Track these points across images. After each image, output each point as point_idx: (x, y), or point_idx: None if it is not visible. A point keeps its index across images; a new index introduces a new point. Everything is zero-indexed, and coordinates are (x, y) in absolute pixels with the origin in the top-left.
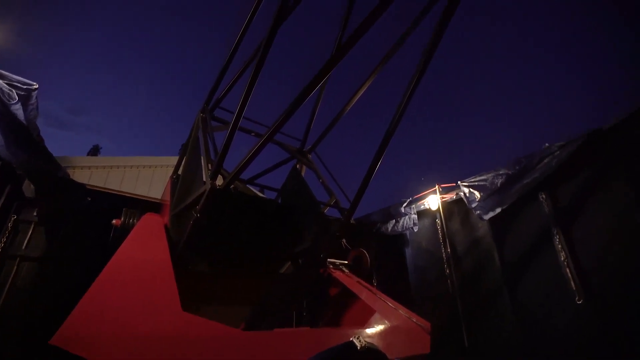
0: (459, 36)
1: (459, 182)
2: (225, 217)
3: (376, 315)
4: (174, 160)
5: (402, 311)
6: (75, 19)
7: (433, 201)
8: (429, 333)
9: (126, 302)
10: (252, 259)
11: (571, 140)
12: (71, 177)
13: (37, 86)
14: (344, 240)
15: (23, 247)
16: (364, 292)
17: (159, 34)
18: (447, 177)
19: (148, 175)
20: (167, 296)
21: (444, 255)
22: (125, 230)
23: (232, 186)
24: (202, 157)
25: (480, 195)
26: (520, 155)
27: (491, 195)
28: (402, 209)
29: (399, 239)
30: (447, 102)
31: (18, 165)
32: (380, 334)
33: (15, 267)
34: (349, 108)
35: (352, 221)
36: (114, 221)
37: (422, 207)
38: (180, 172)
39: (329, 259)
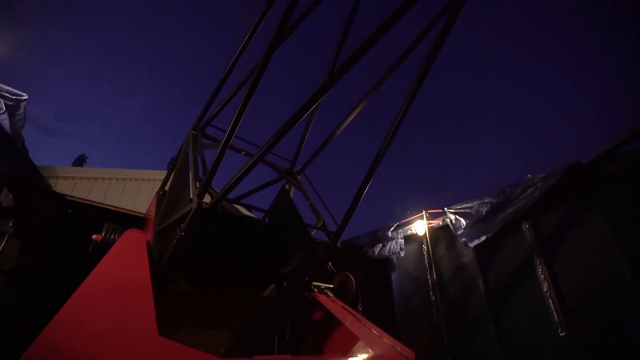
0: (448, 65)
1: (445, 208)
2: (210, 237)
3: (360, 344)
4: (161, 174)
5: (387, 339)
6: (70, 26)
7: (420, 226)
8: None
9: (99, 325)
10: (235, 280)
11: (552, 172)
12: (54, 187)
13: (26, 97)
14: (329, 263)
15: None
16: (349, 318)
17: (155, 45)
18: (434, 202)
19: (134, 189)
20: (144, 319)
21: (429, 281)
22: (105, 246)
23: (219, 205)
24: (190, 174)
25: (466, 222)
26: (505, 184)
27: (476, 222)
28: (389, 233)
29: (386, 263)
30: (438, 128)
31: None
32: None
33: None
34: (339, 131)
35: (338, 244)
36: (94, 236)
37: (409, 231)
38: (167, 188)
39: (314, 282)
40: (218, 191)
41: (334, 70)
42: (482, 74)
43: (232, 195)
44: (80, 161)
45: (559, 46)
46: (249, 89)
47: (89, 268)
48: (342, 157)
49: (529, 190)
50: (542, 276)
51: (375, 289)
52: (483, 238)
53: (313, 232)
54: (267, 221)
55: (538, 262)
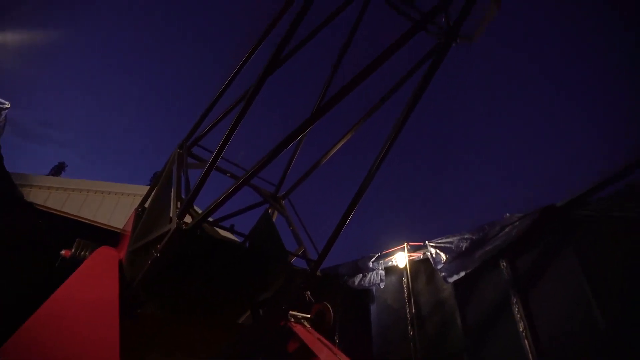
0: (432, 101)
1: (426, 241)
2: (187, 260)
3: None
4: (142, 189)
5: None
6: (60, 29)
7: (401, 258)
8: None
9: (57, 350)
10: (210, 306)
11: (529, 212)
12: (27, 197)
13: (8, 105)
14: (308, 292)
15: None
16: (324, 351)
17: (147, 56)
18: (416, 233)
19: (112, 203)
20: (106, 345)
21: (408, 315)
22: (74, 263)
23: (199, 227)
24: (172, 193)
25: (446, 257)
26: (486, 220)
27: (456, 258)
28: (370, 264)
29: (365, 294)
30: (422, 161)
31: None
32: None
33: None
34: (325, 159)
35: (318, 273)
36: (63, 252)
37: (390, 263)
38: (147, 205)
39: (290, 311)
40: (199, 212)
41: (321, 103)
42: (467, 112)
43: (213, 216)
44: (58, 169)
45: (542, 90)
46: (240, 112)
47: (55, 286)
48: (327, 185)
49: (507, 229)
50: (518, 316)
51: (354, 320)
52: (462, 274)
53: (293, 260)
54: (247, 245)
55: (514, 301)
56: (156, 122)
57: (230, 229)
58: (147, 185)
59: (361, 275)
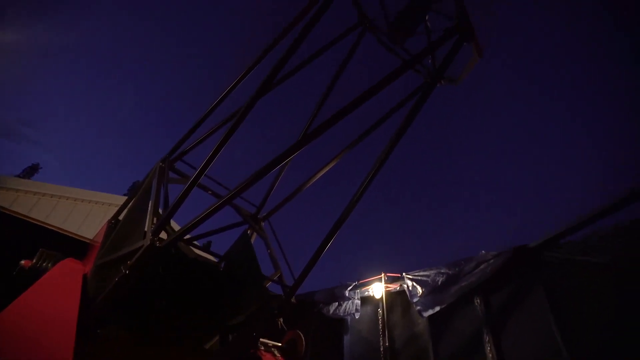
0: (416, 134)
1: (404, 273)
2: (158, 279)
3: None
4: (117, 200)
5: None
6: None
7: (377, 289)
8: None
9: None
10: (177, 328)
11: (503, 251)
12: None
13: None
14: (281, 319)
15: None
16: None
17: (137, 61)
18: (394, 263)
19: (84, 211)
20: None
21: (382, 348)
22: (34, 274)
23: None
24: (149, 208)
25: (422, 290)
26: (464, 254)
27: (432, 292)
28: (347, 293)
29: (339, 323)
30: (406, 193)
31: None
32: None
33: None
34: (309, 184)
35: (293, 300)
36: (22, 262)
37: (367, 293)
38: (121, 217)
39: (261, 339)
40: (176, 230)
41: (308, 130)
42: (449, 145)
43: (190, 232)
44: (31, 171)
45: (523, 137)
46: (229, 130)
47: (10, 299)
48: (309, 210)
49: (482, 266)
50: (490, 355)
51: (326, 351)
52: (437, 309)
53: (268, 284)
54: (222, 266)
55: (487, 339)
56: (141, 133)
57: (207, 247)
58: (124, 195)
59: (337, 303)
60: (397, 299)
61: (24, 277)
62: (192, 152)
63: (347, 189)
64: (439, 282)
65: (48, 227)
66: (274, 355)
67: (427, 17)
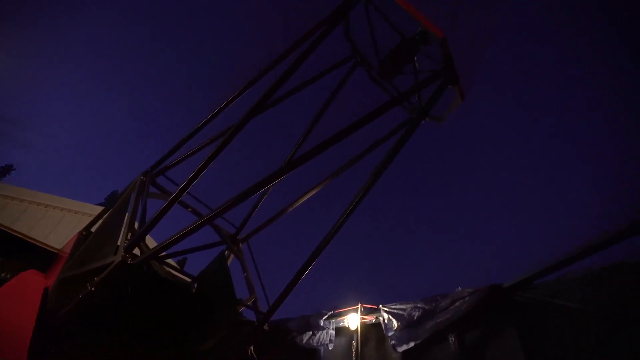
0: (399, 168)
1: (380, 305)
2: (126, 298)
3: None
4: (92, 209)
5: None
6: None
7: (353, 320)
8: None
9: None
10: (142, 351)
11: (478, 289)
12: None
13: None
14: (252, 347)
15: None
16: None
17: (131, 69)
18: (371, 293)
19: (55, 218)
20: None
21: None
22: None
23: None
24: (124, 222)
25: (398, 324)
26: (440, 289)
27: (407, 326)
28: (322, 322)
29: (312, 354)
30: (387, 224)
31: None
32: None
33: None
34: (291, 209)
35: (266, 327)
36: None
37: (342, 323)
38: (93, 229)
39: None
40: (150, 247)
41: (293, 157)
42: (429, 179)
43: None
44: (3, 172)
45: (505, 174)
46: (217, 149)
47: None
48: (289, 235)
49: (458, 303)
50: None
51: None
52: (412, 344)
53: (242, 309)
54: (195, 287)
55: None
56: (126, 142)
57: (182, 264)
58: (100, 204)
59: (311, 333)
60: (372, 331)
61: None
62: (175, 168)
63: (329, 216)
64: (415, 317)
65: (13, 233)
66: None
67: (415, 58)
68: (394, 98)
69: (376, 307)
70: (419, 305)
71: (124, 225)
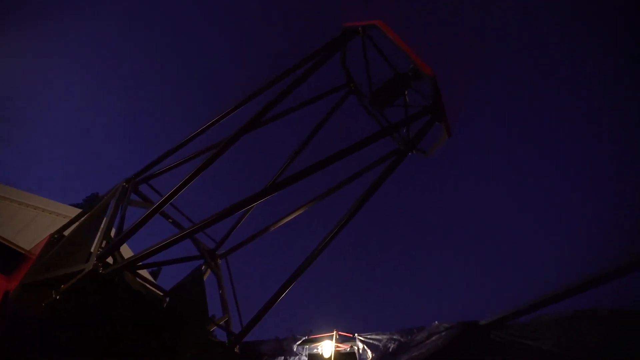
0: (386, 197)
1: (356, 334)
2: (93, 310)
3: None
4: (67, 210)
5: None
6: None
7: (327, 347)
8: None
9: None
10: None
11: (454, 324)
12: None
13: None
14: None
15: None
16: None
17: (130, 73)
18: (347, 319)
19: (26, 217)
20: None
21: None
22: None
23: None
24: (100, 228)
25: (373, 355)
26: (413, 323)
27: (382, 358)
28: (295, 347)
29: None
30: (367, 252)
31: None
32: None
33: None
34: (273, 228)
35: (237, 350)
36: None
37: (315, 350)
38: (67, 232)
39: None
40: (125, 255)
41: (277, 179)
42: (415, 211)
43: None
44: None
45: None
46: (206, 161)
47: None
48: (269, 255)
49: (434, 338)
50: None
51: None
52: None
53: (213, 329)
54: (167, 302)
55: None
56: (111, 145)
57: (155, 274)
58: (76, 205)
59: (283, 358)
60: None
61: None
62: (159, 178)
63: (312, 239)
64: (390, 349)
65: None
66: None
67: (406, 92)
68: (384, 129)
69: (352, 335)
70: (394, 337)
71: (99, 231)
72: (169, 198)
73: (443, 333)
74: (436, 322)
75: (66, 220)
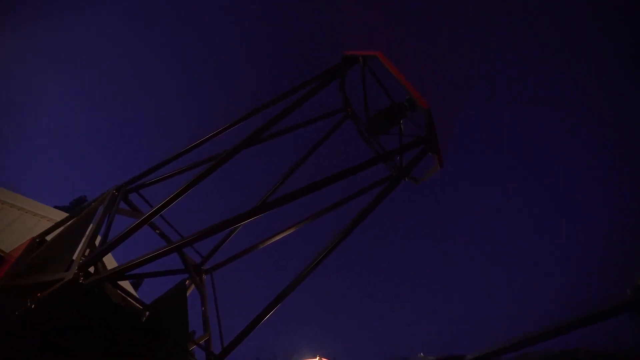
0: (372, 225)
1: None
2: (69, 321)
3: None
4: (52, 213)
5: None
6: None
7: None
8: None
9: None
10: None
11: (440, 357)
12: None
13: None
14: None
15: None
16: None
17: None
18: (331, 345)
19: (8, 217)
20: None
21: None
22: None
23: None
24: (85, 235)
25: None
26: (395, 352)
27: None
28: None
29: None
30: (353, 278)
31: None
32: None
33: None
34: (262, 246)
35: None
36: None
37: None
38: (49, 237)
39: None
40: (108, 264)
41: (267, 200)
42: (403, 241)
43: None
44: None
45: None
46: (201, 174)
47: None
48: (255, 274)
49: None
50: None
51: None
52: None
53: (192, 348)
54: (146, 315)
55: None
56: (105, 149)
57: (136, 286)
58: (61, 207)
59: None
60: None
61: None
62: (149, 188)
63: (298, 262)
64: None
65: None
66: None
67: (401, 122)
68: (378, 155)
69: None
70: None
71: (84, 239)
72: (159, 209)
73: None
74: (421, 354)
75: (50, 224)
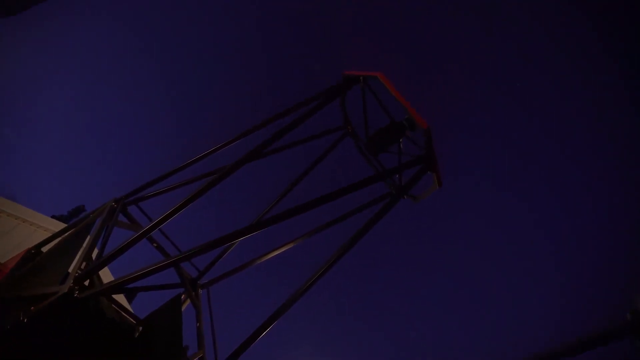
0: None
1: None
2: (62, 336)
3: None
4: (51, 223)
5: None
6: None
7: None
8: None
9: None
10: None
11: None
12: None
13: None
14: None
15: None
16: None
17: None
18: None
19: (5, 226)
20: None
21: None
22: None
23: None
24: (82, 248)
25: None
26: None
27: None
28: None
29: None
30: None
31: None
32: None
33: None
34: (259, 261)
35: None
36: None
37: None
38: (44, 248)
39: None
40: (104, 277)
41: (263, 217)
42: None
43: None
44: None
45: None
46: (202, 189)
47: None
48: (252, 290)
49: None
50: None
51: None
52: None
53: None
54: (140, 331)
55: None
56: (107, 158)
57: (129, 299)
58: (58, 217)
59: None
60: None
61: None
62: (149, 201)
63: (295, 278)
64: None
65: None
66: None
67: (401, 140)
68: (377, 174)
69: None
70: None
71: (80, 251)
72: (159, 223)
73: None
74: None
75: (47, 234)
